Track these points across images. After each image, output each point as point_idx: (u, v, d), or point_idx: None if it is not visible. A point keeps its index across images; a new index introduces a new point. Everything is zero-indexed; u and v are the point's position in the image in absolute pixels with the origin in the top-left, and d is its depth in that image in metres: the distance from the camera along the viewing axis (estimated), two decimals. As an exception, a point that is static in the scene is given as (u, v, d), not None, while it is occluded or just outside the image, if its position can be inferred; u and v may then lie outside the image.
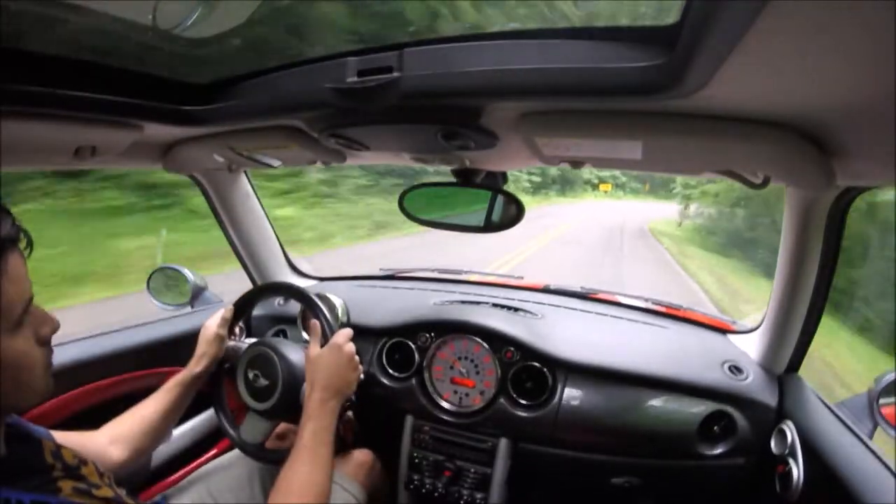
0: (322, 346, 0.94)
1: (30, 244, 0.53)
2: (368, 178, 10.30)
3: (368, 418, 1.23)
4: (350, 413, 1.14)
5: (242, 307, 1.09)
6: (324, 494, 0.77)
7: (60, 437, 0.71)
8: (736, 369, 1.07)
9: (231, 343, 1.08)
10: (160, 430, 0.92)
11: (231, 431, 1.04)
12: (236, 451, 1.08)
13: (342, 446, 1.13)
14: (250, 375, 1.00)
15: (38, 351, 0.55)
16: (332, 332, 0.97)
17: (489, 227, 0.96)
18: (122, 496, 0.59)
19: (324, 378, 0.87)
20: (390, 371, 1.24)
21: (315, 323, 0.97)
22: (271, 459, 1.00)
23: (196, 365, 0.99)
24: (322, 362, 0.90)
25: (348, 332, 0.96)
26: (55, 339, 0.59)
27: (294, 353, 1.00)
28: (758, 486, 0.98)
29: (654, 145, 0.64)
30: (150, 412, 0.90)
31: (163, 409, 0.92)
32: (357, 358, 0.95)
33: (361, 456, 1.14)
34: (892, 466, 0.75)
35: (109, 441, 0.84)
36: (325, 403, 0.85)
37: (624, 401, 1.06)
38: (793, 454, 0.88)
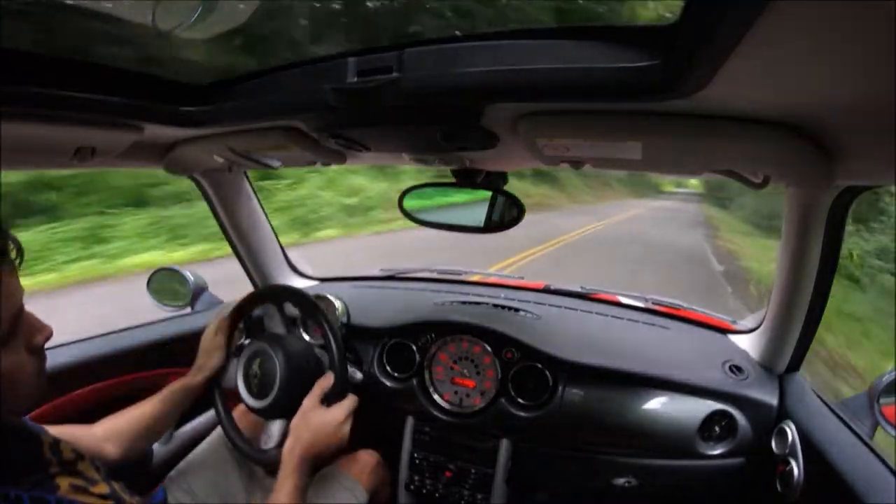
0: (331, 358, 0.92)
1: (20, 255, 0.53)
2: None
3: (369, 419, 1.23)
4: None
5: (242, 312, 1.09)
6: None
7: (56, 431, 0.72)
8: (736, 369, 1.07)
9: (234, 341, 1.08)
10: (155, 433, 0.94)
11: (230, 432, 1.03)
12: (216, 435, 1.11)
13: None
14: (250, 372, 1.00)
15: (29, 360, 0.54)
16: (335, 338, 0.96)
17: (490, 227, 0.96)
18: (118, 491, 0.59)
19: (311, 438, 0.84)
20: (391, 372, 1.24)
21: (328, 375, 0.92)
22: (262, 459, 1.00)
23: (196, 376, 0.99)
24: (317, 422, 0.86)
25: (354, 401, 0.92)
26: (56, 340, 0.59)
27: (294, 350, 1.00)
28: (758, 485, 0.98)
29: (654, 146, 0.65)
30: (146, 414, 0.91)
31: (159, 414, 0.92)
32: (347, 437, 0.89)
33: (366, 457, 1.14)
34: (893, 466, 0.75)
35: (104, 437, 0.84)
36: (304, 464, 0.82)
37: (624, 401, 1.06)
38: (793, 454, 0.88)
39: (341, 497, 1.02)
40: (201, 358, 1.01)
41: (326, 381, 0.92)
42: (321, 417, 0.87)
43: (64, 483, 0.53)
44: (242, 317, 1.10)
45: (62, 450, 0.58)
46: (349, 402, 0.91)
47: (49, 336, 0.58)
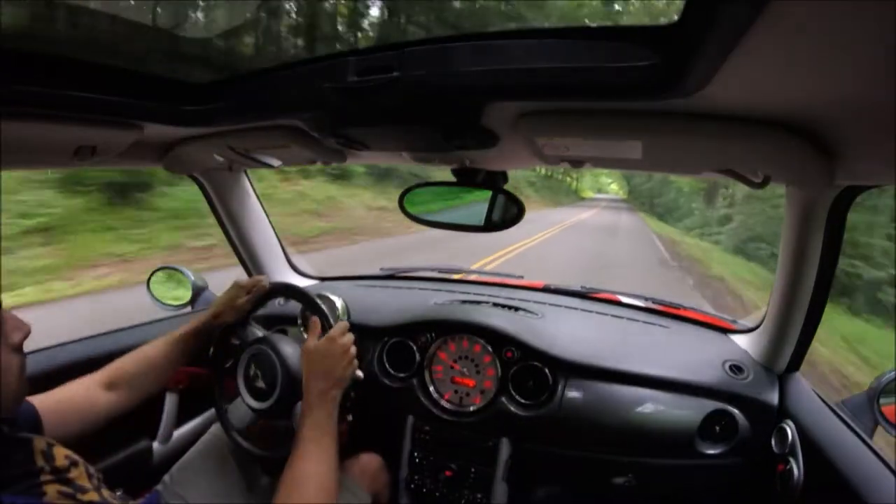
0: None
1: None
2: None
3: (369, 419, 1.23)
4: (350, 417, 1.14)
5: (270, 296, 1.09)
6: (332, 485, 0.76)
7: (47, 396, 0.73)
8: (736, 368, 1.07)
9: (233, 341, 1.08)
10: (162, 375, 0.93)
11: (230, 429, 1.04)
12: (210, 437, 1.10)
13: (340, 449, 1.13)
14: (250, 373, 1.00)
15: (10, 357, 0.56)
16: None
17: (489, 226, 0.96)
18: (108, 499, 0.59)
19: (321, 368, 0.86)
20: (391, 371, 1.24)
21: (315, 319, 0.96)
22: (277, 459, 1.01)
23: (209, 321, 0.99)
24: (318, 353, 0.89)
25: (344, 324, 0.96)
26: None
27: (294, 353, 1.00)
28: (758, 485, 0.98)
29: (655, 145, 0.65)
30: (153, 356, 0.91)
31: (166, 356, 0.93)
32: (353, 350, 0.93)
33: (368, 460, 1.14)
34: (893, 465, 0.75)
35: (107, 384, 0.85)
36: (325, 394, 0.84)
37: (624, 400, 1.07)
38: (793, 453, 0.89)
39: (344, 499, 1.02)
40: (221, 307, 1.01)
41: (316, 324, 0.94)
42: (322, 344, 0.89)
43: (52, 490, 0.54)
44: (263, 303, 1.10)
45: (55, 455, 0.58)
46: (340, 323, 0.94)
47: (28, 334, 0.59)
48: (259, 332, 1.05)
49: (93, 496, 0.57)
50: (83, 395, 0.81)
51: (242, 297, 1.03)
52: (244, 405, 1.01)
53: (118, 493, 0.66)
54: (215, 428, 1.08)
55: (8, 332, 0.56)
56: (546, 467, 1.16)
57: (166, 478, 1.02)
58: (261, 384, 0.97)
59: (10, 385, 0.56)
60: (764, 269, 9.28)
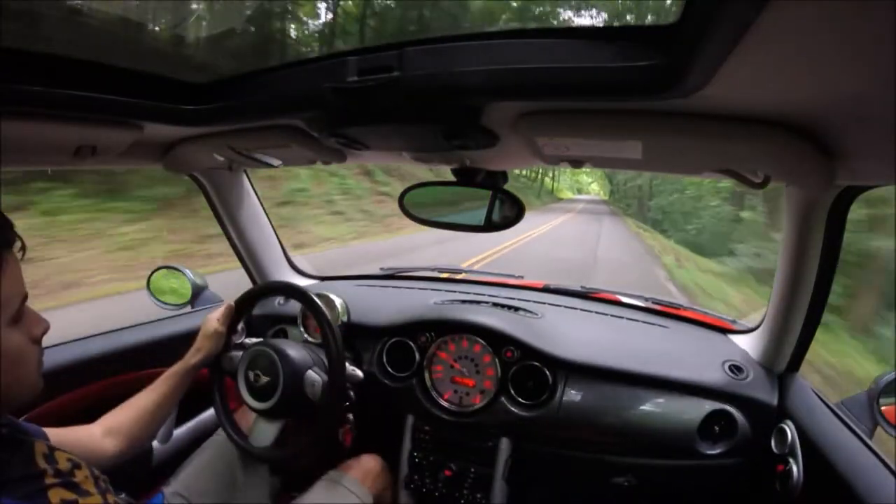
0: (327, 368, 0.97)
1: (23, 248, 0.57)
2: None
3: (369, 418, 1.23)
4: (350, 416, 1.14)
5: (243, 305, 1.09)
6: None
7: (56, 433, 0.72)
8: (736, 369, 1.07)
9: (232, 342, 1.08)
10: (156, 421, 0.93)
11: (230, 431, 1.04)
12: (213, 440, 1.11)
13: (343, 451, 1.13)
14: (251, 375, 1.00)
15: (31, 348, 0.58)
16: (333, 335, 0.98)
17: (489, 226, 0.96)
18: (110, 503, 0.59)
19: None
20: (391, 371, 1.24)
21: None
22: (278, 458, 1.01)
23: (192, 357, 0.99)
24: None
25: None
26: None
27: (295, 353, 1.00)
28: (758, 485, 0.98)
29: (655, 145, 0.65)
30: (145, 403, 0.91)
31: (158, 401, 0.92)
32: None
33: (371, 461, 1.15)
34: (893, 466, 0.75)
35: (105, 433, 0.84)
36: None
37: (624, 400, 1.07)
38: (793, 453, 0.89)
39: (347, 500, 1.02)
40: (200, 341, 1.02)
41: None
42: None
43: (55, 497, 0.54)
44: (246, 309, 1.11)
45: (58, 458, 0.58)
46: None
47: (47, 329, 0.61)
48: (239, 354, 1.05)
49: (96, 500, 0.57)
50: (90, 441, 0.81)
51: (215, 325, 1.03)
52: (261, 423, 1.01)
53: (122, 496, 0.66)
54: (221, 429, 1.08)
55: (29, 325, 0.58)
56: (546, 467, 1.16)
57: (172, 479, 1.02)
58: (262, 383, 0.98)
59: (29, 376, 0.57)
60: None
